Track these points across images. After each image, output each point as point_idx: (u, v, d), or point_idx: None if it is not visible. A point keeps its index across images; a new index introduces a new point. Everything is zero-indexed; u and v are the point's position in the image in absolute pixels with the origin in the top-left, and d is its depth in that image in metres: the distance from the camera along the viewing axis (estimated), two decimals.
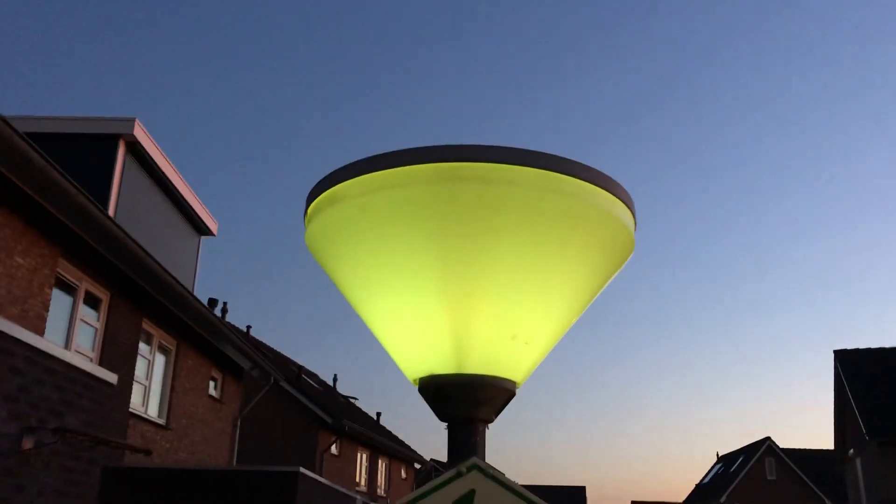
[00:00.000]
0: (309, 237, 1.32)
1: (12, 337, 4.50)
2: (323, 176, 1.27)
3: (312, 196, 1.29)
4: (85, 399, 5.18)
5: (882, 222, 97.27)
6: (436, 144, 1.17)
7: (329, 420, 20.94)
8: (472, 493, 1.20)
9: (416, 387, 1.31)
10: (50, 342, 5.18)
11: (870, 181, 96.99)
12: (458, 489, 1.20)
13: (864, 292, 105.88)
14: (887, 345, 27.84)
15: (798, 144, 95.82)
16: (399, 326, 1.28)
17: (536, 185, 1.15)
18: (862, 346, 27.85)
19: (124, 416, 11.09)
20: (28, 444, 4.56)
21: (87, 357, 10.43)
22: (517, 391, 1.31)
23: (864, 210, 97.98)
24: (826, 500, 42.64)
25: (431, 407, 1.30)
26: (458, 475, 1.20)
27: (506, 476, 1.21)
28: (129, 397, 11.32)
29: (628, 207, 1.28)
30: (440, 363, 1.26)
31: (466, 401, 1.26)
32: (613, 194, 1.24)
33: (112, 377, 5.73)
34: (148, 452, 7.06)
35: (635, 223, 1.32)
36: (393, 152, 1.18)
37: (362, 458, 25.30)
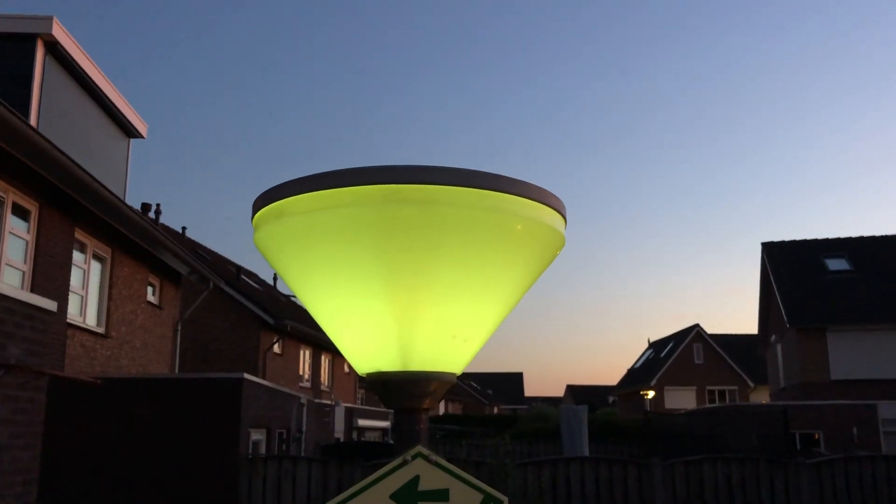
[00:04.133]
0: (257, 242, 1.39)
1: None
2: (267, 182, 1.32)
3: (258, 206, 1.35)
4: (25, 329, 5.17)
5: (811, 118, 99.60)
6: (379, 165, 1.23)
7: (271, 320, 21.14)
8: (416, 478, 1.33)
9: (366, 379, 1.42)
10: None
11: (797, 76, 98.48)
12: (403, 476, 1.33)
13: (791, 186, 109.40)
14: (810, 237, 29.07)
15: (726, 35, 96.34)
16: (348, 328, 1.38)
17: (472, 203, 1.24)
18: (787, 238, 29.04)
19: (62, 334, 11.01)
20: None
21: (20, 270, 10.25)
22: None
23: (794, 105, 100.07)
24: (748, 381, 45.39)
25: (379, 397, 1.42)
26: (404, 463, 1.33)
27: (446, 461, 1.34)
28: (66, 309, 11.23)
29: (558, 212, 1.37)
30: (387, 362, 1.36)
31: (410, 394, 1.38)
32: (543, 203, 1.33)
33: (52, 304, 5.70)
34: (97, 383, 7.10)
35: (566, 222, 1.42)
36: (337, 171, 1.25)
37: (305, 355, 25.74)
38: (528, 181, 1.31)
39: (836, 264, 27.49)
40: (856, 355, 24.64)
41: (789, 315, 25.35)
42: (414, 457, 1.33)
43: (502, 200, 1.27)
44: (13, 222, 10.12)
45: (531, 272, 1.40)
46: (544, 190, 1.33)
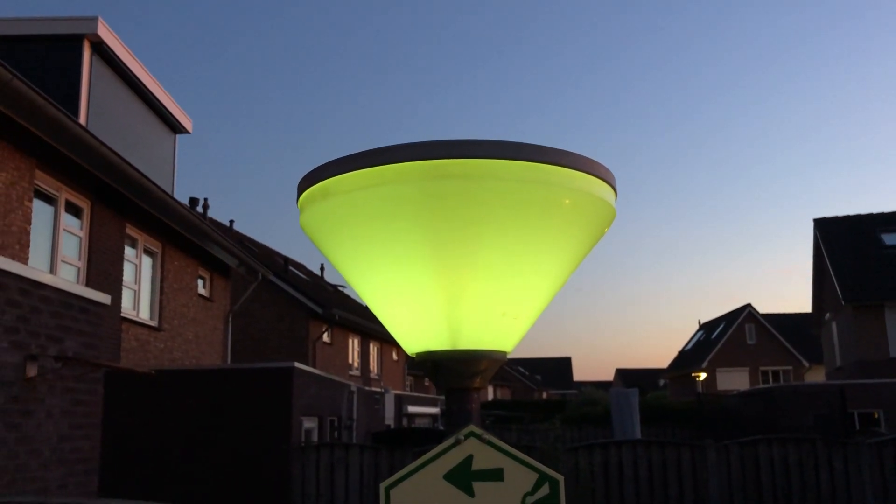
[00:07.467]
0: (303, 224, 1.38)
1: (4, 271, 4.55)
2: (312, 160, 1.30)
3: (302, 187, 1.34)
4: (81, 322, 5.30)
5: (862, 93, 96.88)
6: (422, 141, 1.21)
7: (319, 310, 21.35)
8: (469, 458, 1.31)
9: (416, 359, 1.40)
10: (41, 271, 5.23)
11: (852, 52, 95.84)
12: (456, 456, 1.31)
13: (843, 161, 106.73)
14: (864, 212, 28.29)
15: (782, 15, 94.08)
16: (397, 308, 1.36)
17: (518, 176, 1.21)
18: (840, 213, 28.25)
19: (117, 327, 11.26)
20: (31, 371, 4.71)
21: (75, 266, 10.50)
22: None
23: (844, 81, 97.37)
24: (803, 361, 44.48)
25: (429, 377, 1.40)
26: (457, 443, 1.31)
27: (498, 440, 1.32)
28: (120, 303, 11.47)
29: (608, 182, 1.33)
30: (436, 341, 1.34)
31: (461, 374, 1.35)
32: (592, 174, 1.29)
33: (105, 298, 5.82)
34: (151, 375, 7.25)
35: (616, 194, 1.38)
36: (381, 149, 1.23)
37: (354, 344, 25.96)
38: (575, 152, 1.27)
39: (892, 239, 26.71)
40: None
41: (844, 292, 24.74)
42: (466, 436, 1.31)
43: (549, 173, 1.24)
44: (67, 220, 10.37)
45: (581, 246, 1.36)
46: (592, 160, 1.30)
